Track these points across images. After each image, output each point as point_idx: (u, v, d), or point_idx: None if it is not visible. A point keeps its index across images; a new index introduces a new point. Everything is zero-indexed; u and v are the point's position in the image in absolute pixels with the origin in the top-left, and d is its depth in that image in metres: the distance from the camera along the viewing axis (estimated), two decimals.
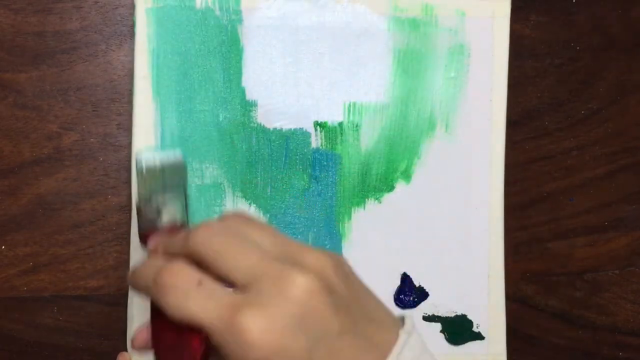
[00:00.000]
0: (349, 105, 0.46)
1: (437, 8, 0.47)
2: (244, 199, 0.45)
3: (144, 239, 0.36)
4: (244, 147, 0.45)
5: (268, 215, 0.45)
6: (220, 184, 0.45)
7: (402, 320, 0.32)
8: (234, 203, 0.45)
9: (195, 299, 0.29)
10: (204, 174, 0.45)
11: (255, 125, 0.45)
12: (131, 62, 0.45)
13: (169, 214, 0.38)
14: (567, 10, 0.49)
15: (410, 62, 0.47)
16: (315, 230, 0.46)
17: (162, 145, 0.45)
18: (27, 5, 0.45)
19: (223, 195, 0.45)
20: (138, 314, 0.44)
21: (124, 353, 0.44)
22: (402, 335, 0.30)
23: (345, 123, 0.46)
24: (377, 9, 0.46)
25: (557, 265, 0.49)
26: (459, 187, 0.46)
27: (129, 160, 0.45)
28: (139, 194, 0.38)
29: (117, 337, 0.46)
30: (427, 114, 0.47)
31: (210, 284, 0.30)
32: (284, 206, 0.46)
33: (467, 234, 0.46)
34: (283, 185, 0.46)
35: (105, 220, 0.46)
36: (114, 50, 0.46)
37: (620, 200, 0.50)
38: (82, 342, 0.46)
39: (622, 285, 0.50)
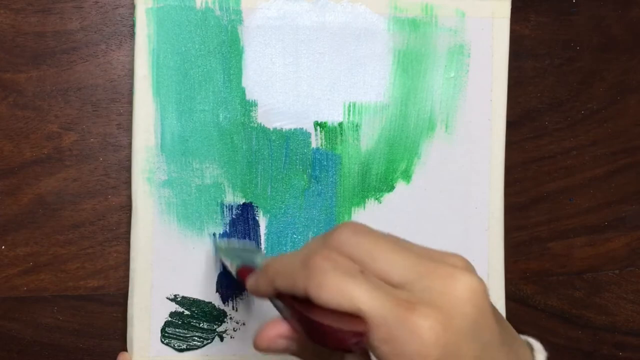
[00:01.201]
0: (349, 105, 0.46)
1: (437, 8, 0.47)
2: (244, 199, 0.45)
3: (242, 274, 0.36)
4: (244, 147, 0.45)
5: (268, 215, 0.45)
6: (220, 184, 0.45)
7: (526, 340, 0.31)
8: (234, 203, 0.45)
9: (360, 285, 0.27)
10: (204, 174, 0.45)
11: (255, 125, 0.45)
12: (131, 62, 0.45)
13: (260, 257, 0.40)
14: (567, 10, 0.49)
15: (410, 62, 0.47)
16: (315, 230, 0.46)
17: (162, 146, 0.45)
18: (27, 5, 0.45)
19: (223, 195, 0.45)
20: (138, 313, 0.44)
21: (124, 353, 0.45)
22: (539, 356, 0.30)
23: (345, 123, 0.46)
24: (377, 9, 0.46)
25: (557, 265, 0.49)
26: (459, 187, 0.46)
27: (129, 160, 0.45)
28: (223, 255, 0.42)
29: (117, 337, 0.45)
30: (427, 114, 0.47)
31: (373, 275, 0.28)
32: (284, 206, 0.46)
33: (467, 234, 0.46)
34: (283, 185, 0.46)
35: (106, 220, 0.46)
36: (114, 50, 0.46)
37: (620, 200, 0.50)
38: (82, 342, 0.46)
39: (622, 285, 0.50)
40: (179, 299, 0.45)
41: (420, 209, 0.46)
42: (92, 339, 0.46)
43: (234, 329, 0.45)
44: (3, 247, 0.45)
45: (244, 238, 0.45)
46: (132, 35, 0.45)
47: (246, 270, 0.35)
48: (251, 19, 0.45)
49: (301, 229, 0.46)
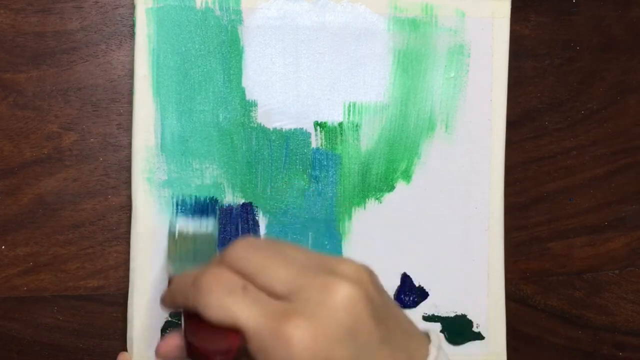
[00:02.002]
0: (349, 105, 0.46)
1: (437, 8, 0.47)
2: (244, 199, 0.45)
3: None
4: (244, 147, 0.45)
5: (268, 215, 0.45)
6: (220, 184, 0.45)
7: (427, 335, 0.32)
8: (234, 203, 0.45)
9: (239, 301, 0.29)
10: (204, 174, 0.45)
11: (255, 125, 0.45)
12: (131, 62, 0.45)
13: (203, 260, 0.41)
14: (567, 10, 0.49)
15: (410, 62, 0.47)
16: (315, 230, 0.46)
17: (162, 146, 0.44)
18: (27, 6, 0.45)
19: (223, 195, 0.45)
20: (138, 313, 0.44)
21: (124, 353, 0.45)
22: (433, 349, 0.31)
23: (345, 123, 0.46)
24: (377, 9, 0.46)
25: (557, 265, 0.49)
26: (459, 187, 0.46)
27: (129, 160, 0.45)
28: (170, 258, 0.42)
29: (117, 337, 0.45)
30: (427, 114, 0.47)
31: (254, 290, 0.30)
32: (283, 206, 0.45)
33: (467, 234, 0.46)
34: (283, 185, 0.45)
35: (106, 220, 0.46)
36: (114, 50, 0.46)
37: (620, 200, 0.50)
38: (82, 342, 0.46)
39: (622, 285, 0.50)
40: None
41: (420, 209, 0.46)
42: (92, 339, 0.46)
43: None
44: (3, 247, 0.45)
45: None
46: (132, 35, 0.45)
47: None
48: (251, 19, 0.45)
49: (301, 229, 0.46)
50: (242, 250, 0.31)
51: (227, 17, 0.45)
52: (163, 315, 0.44)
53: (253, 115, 0.45)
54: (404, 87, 0.47)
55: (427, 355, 0.31)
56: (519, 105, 0.49)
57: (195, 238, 0.42)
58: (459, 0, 0.47)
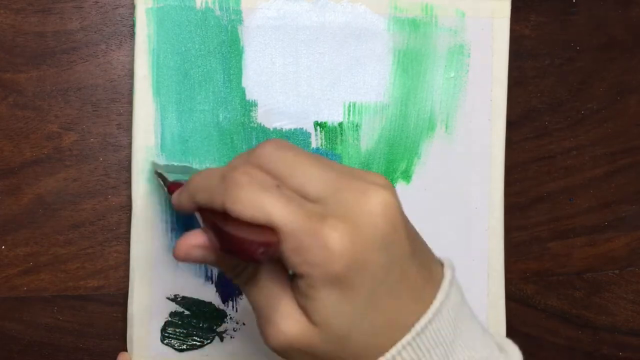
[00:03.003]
0: (349, 105, 0.46)
1: (437, 8, 0.47)
2: None
3: (174, 188, 0.35)
4: (244, 147, 0.45)
5: None
6: None
7: (439, 260, 0.32)
8: None
9: (273, 198, 0.28)
10: None
11: (255, 125, 0.45)
12: (131, 62, 0.45)
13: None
14: (567, 10, 0.49)
15: (410, 62, 0.47)
16: None
17: (162, 146, 0.45)
18: (28, 6, 0.45)
19: None
20: (138, 313, 0.44)
21: (124, 353, 0.45)
22: (448, 272, 0.31)
23: (345, 123, 0.46)
24: (377, 9, 0.46)
25: (557, 265, 0.49)
26: (459, 187, 0.46)
27: (129, 160, 0.45)
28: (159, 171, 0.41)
29: (117, 337, 0.45)
30: (427, 114, 0.47)
31: (288, 190, 0.29)
32: None
33: (467, 234, 0.46)
34: None
35: (106, 220, 0.46)
36: (114, 50, 0.46)
37: (620, 200, 0.50)
38: (82, 342, 0.46)
39: (622, 285, 0.50)
40: (179, 299, 0.45)
41: (420, 209, 0.46)
42: (92, 339, 0.46)
43: (233, 329, 0.45)
44: (3, 247, 0.45)
45: None
46: (132, 35, 0.45)
47: (176, 186, 0.36)
48: (251, 19, 0.45)
49: None
50: (272, 149, 0.30)
51: (227, 17, 0.45)
52: (163, 315, 0.45)
53: (253, 115, 0.45)
54: (404, 87, 0.47)
55: (443, 276, 0.31)
56: (519, 105, 0.49)
57: (180, 166, 0.42)
58: (459, 0, 0.47)
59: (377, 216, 0.28)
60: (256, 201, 0.28)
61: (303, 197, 0.29)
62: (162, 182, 0.41)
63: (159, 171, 0.40)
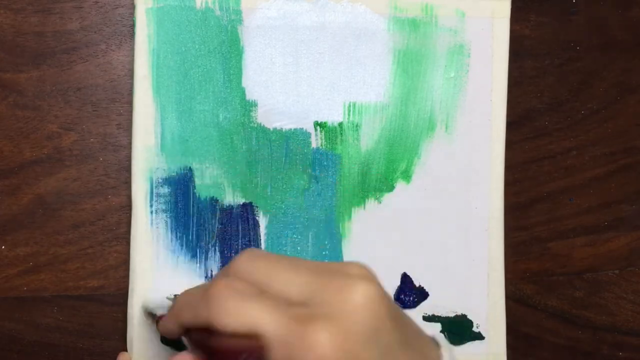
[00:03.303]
0: (349, 105, 0.46)
1: (437, 8, 0.46)
2: (244, 199, 0.45)
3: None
4: (244, 147, 0.45)
5: (268, 215, 0.45)
6: (220, 184, 0.45)
7: (432, 338, 0.32)
8: (234, 203, 0.45)
9: (257, 307, 0.28)
10: (204, 174, 0.45)
11: (255, 125, 0.45)
12: (131, 62, 0.45)
13: None
14: (567, 10, 0.49)
15: (410, 62, 0.46)
16: (315, 230, 0.46)
17: (162, 145, 0.44)
18: (28, 5, 0.45)
19: (223, 195, 0.45)
20: (138, 313, 0.44)
21: (124, 353, 0.44)
22: (445, 353, 0.31)
23: (345, 123, 0.46)
24: (377, 9, 0.46)
25: (557, 265, 0.49)
26: (459, 187, 0.46)
27: (129, 160, 0.45)
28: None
29: (117, 337, 0.45)
30: (427, 114, 0.47)
31: (271, 296, 0.29)
32: (284, 206, 0.46)
33: (467, 234, 0.46)
34: (283, 185, 0.46)
35: (106, 220, 0.46)
36: (114, 50, 0.46)
37: (620, 200, 0.50)
38: (82, 342, 0.46)
39: (622, 286, 0.50)
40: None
41: (420, 209, 0.46)
42: (92, 339, 0.46)
43: None
44: (3, 247, 0.45)
45: (244, 238, 0.46)
46: (132, 35, 0.45)
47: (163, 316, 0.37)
48: (251, 19, 0.45)
49: (301, 229, 0.46)
50: (248, 260, 0.30)
51: (227, 17, 0.45)
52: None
53: (253, 115, 0.45)
54: (404, 87, 0.47)
55: (440, 356, 0.30)
56: (519, 105, 0.49)
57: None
58: (459, 0, 0.47)
59: (361, 311, 0.28)
60: (239, 311, 0.28)
61: (287, 301, 0.29)
62: (151, 319, 0.42)
63: (149, 310, 0.41)
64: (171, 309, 0.33)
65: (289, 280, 0.29)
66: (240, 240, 0.46)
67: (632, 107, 0.50)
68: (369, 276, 0.29)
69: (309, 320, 0.27)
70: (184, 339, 0.33)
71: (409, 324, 0.31)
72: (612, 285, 0.50)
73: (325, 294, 0.28)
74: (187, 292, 0.32)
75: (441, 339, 0.32)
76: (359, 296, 0.28)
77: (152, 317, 0.40)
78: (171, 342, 0.45)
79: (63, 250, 0.45)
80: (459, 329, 0.46)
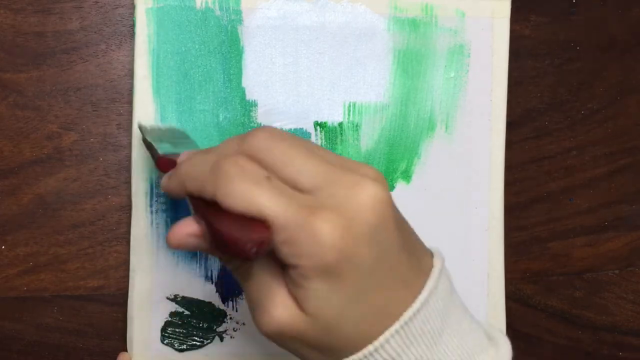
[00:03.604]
0: (349, 105, 0.46)
1: (437, 8, 0.47)
2: None
3: (163, 165, 0.35)
4: None
5: None
6: None
7: (430, 251, 0.33)
8: None
9: (264, 191, 0.28)
10: None
11: (255, 125, 0.45)
12: (131, 62, 0.45)
13: (187, 146, 0.38)
14: (567, 11, 0.49)
15: (410, 62, 0.47)
16: None
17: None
18: (27, 5, 0.45)
19: None
20: (138, 313, 0.44)
21: (124, 353, 0.45)
22: (437, 262, 0.31)
23: (345, 123, 0.46)
24: (377, 9, 0.46)
25: (557, 265, 0.49)
26: (459, 187, 0.46)
27: (129, 160, 0.45)
28: (148, 139, 0.38)
29: (117, 337, 0.45)
30: (427, 114, 0.47)
31: (279, 182, 0.29)
32: None
33: (467, 234, 0.46)
34: None
35: (105, 220, 0.46)
36: (114, 50, 0.46)
37: (620, 200, 0.50)
38: (82, 342, 0.46)
39: (622, 285, 0.50)
40: (179, 299, 0.45)
41: (420, 209, 0.46)
42: (92, 339, 0.46)
43: (234, 329, 0.45)
44: (3, 247, 0.45)
45: None
46: (132, 35, 0.45)
47: (166, 161, 0.35)
48: (251, 19, 0.45)
49: None
50: (264, 139, 0.30)
51: (227, 17, 0.45)
52: (163, 315, 0.45)
53: (253, 115, 0.45)
54: (404, 87, 0.47)
55: (432, 266, 0.31)
56: (519, 105, 0.49)
57: (169, 130, 0.41)
58: (459, 0, 0.47)
59: (367, 209, 0.28)
60: (247, 194, 0.28)
61: (294, 188, 0.29)
62: (151, 154, 0.40)
63: (149, 140, 0.38)
64: (176, 171, 0.32)
65: (303, 167, 0.29)
66: None
67: (632, 107, 0.50)
68: (380, 179, 0.30)
69: (316, 209, 0.28)
70: (188, 202, 0.32)
71: (409, 230, 0.32)
72: (612, 285, 0.50)
73: (336, 186, 0.29)
74: (194, 161, 0.31)
75: (435, 250, 0.33)
76: (367, 195, 0.28)
77: (151, 151, 0.37)
78: (170, 342, 0.45)
79: (63, 250, 0.45)
80: None
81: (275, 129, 0.30)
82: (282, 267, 0.30)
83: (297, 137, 0.31)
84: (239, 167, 0.29)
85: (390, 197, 0.29)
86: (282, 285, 0.30)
